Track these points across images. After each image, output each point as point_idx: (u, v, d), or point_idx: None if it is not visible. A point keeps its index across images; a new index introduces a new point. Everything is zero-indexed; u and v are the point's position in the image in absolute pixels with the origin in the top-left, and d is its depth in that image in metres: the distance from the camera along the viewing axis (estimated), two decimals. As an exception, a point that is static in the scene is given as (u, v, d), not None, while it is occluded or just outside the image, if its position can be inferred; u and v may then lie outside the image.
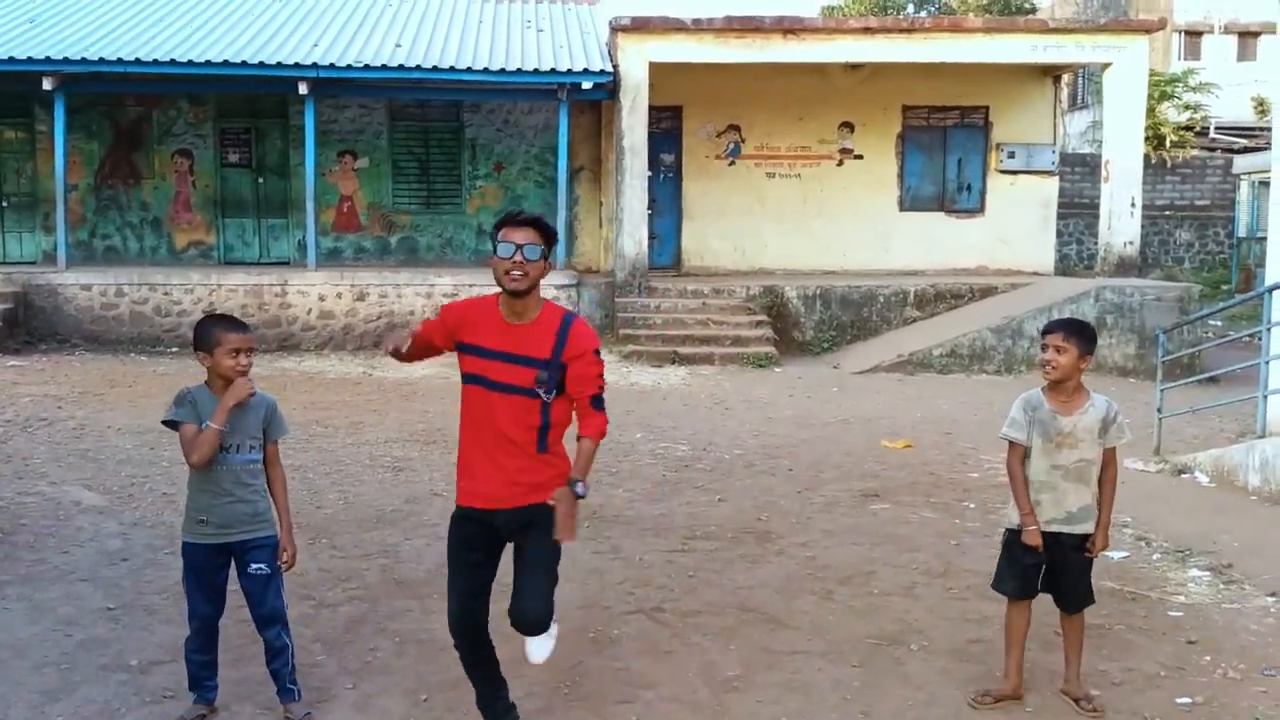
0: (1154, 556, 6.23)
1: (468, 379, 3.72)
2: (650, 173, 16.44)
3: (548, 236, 3.66)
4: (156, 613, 5.07)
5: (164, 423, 4.08)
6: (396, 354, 3.69)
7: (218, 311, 3.78)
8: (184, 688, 4.10)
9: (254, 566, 4.00)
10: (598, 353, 3.71)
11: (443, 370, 13.42)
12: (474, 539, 3.78)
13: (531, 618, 3.71)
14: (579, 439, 3.65)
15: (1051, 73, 18.16)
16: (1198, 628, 5.07)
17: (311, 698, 4.19)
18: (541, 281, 3.69)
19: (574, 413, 3.71)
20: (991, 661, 4.57)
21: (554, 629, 3.85)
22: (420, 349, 3.77)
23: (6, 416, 9.88)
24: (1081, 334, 4.24)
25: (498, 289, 3.67)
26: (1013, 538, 4.25)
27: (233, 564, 4.05)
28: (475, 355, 3.69)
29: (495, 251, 3.62)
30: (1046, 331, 4.31)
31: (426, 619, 5.03)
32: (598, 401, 3.67)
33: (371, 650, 4.68)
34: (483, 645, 3.86)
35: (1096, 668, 4.55)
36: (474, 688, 3.92)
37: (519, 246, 3.58)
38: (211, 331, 3.97)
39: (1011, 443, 4.28)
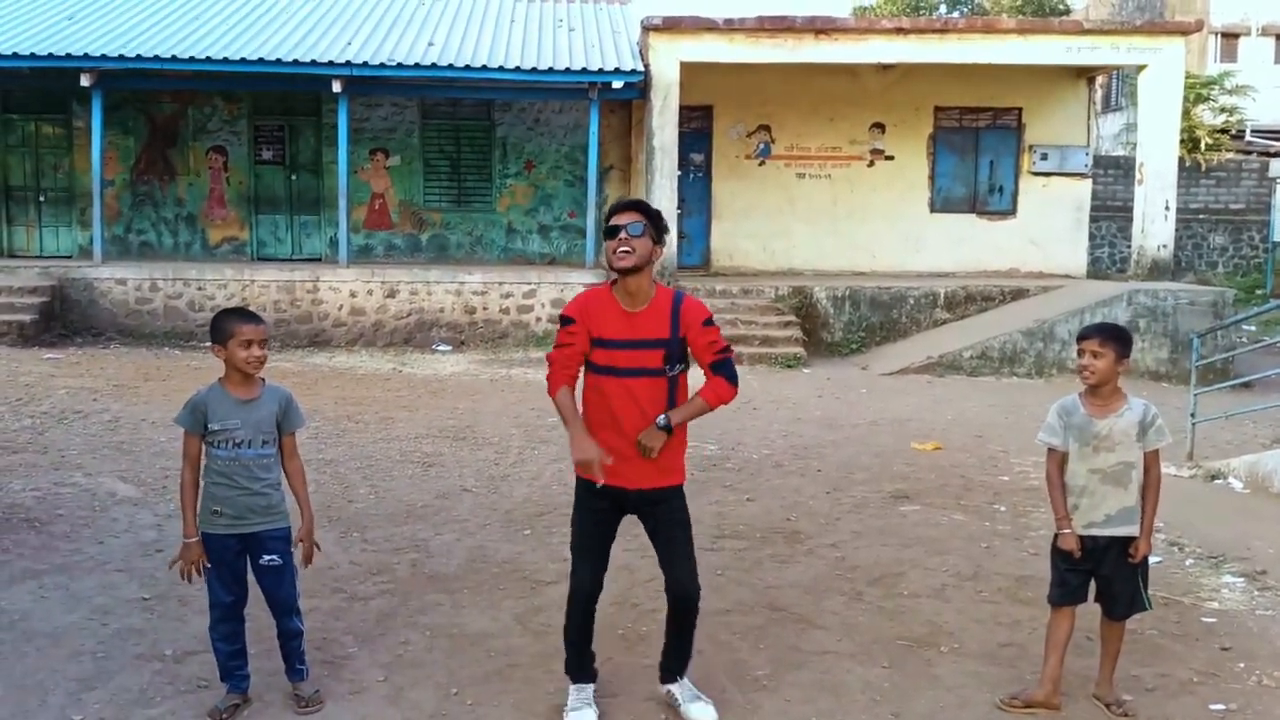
0: (1187, 562, 6.17)
1: (597, 369, 3.91)
2: (680, 172, 16.45)
3: (651, 217, 3.91)
4: (190, 603, 5.11)
5: (175, 421, 4.14)
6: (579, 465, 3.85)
7: (243, 306, 3.85)
8: (217, 678, 4.14)
9: (266, 558, 4.05)
10: (707, 322, 3.93)
11: (470, 368, 13.51)
12: (603, 514, 3.99)
13: (690, 588, 3.98)
14: (694, 395, 3.94)
15: (1086, 74, 18.01)
16: (1231, 634, 5.02)
17: (343, 690, 4.23)
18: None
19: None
20: (1023, 665, 4.55)
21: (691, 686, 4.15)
22: (562, 369, 3.92)
23: (43, 409, 10.01)
24: (1119, 338, 4.21)
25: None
26: (1054, 543, 4.25)
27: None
28: (603, 347, 3.89)
29: (605, 227, 3.93)
30: (1083, 337, 4.27)
31: (457, 613, 5.06)
32: (719, 368, 3.93)
33: (403, 644, 4.70)
34: (593, 613, 4.06)
35: (1129, 673, 4.51)
36: (574, 659, 4.10)
37: (623, 226, 3.85)
38: (225, 323, 4.04)
39: (1050, 449, 4.26)
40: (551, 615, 5.03)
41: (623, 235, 3.83)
